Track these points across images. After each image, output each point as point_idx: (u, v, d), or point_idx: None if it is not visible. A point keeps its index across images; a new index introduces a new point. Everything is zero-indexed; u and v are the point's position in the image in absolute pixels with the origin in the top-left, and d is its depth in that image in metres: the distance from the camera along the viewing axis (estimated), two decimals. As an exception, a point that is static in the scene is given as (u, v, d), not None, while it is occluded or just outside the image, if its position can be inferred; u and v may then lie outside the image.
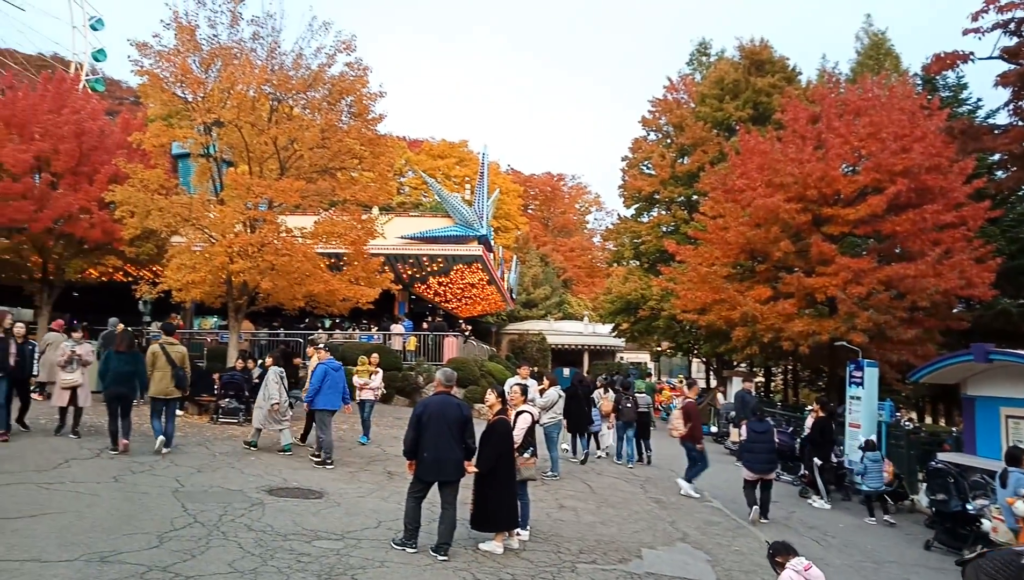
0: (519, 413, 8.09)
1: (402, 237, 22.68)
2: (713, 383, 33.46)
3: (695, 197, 31.04)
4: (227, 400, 13.55)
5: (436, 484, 7.06)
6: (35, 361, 11.49)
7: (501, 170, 65.24)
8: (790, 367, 32.57)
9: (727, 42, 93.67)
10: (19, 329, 10.82)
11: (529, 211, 71.98)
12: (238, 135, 14.32)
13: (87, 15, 50.22)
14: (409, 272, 24.38)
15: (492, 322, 44.49)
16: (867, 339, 17.06)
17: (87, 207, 16.49)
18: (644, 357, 51.16)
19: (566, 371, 35.87)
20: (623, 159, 37.43)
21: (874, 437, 13.60)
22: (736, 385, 23.31)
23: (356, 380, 13.31)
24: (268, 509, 7.85)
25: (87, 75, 49.98)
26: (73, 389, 10.85)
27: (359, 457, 11.67)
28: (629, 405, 14.49)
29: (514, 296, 40.63)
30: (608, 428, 15.40)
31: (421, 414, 6.99)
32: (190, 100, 14.56)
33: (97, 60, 51.72)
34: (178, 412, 13.68)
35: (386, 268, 17.22)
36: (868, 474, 12.16)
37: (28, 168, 16.53)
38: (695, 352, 36.59)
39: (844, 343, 16.83)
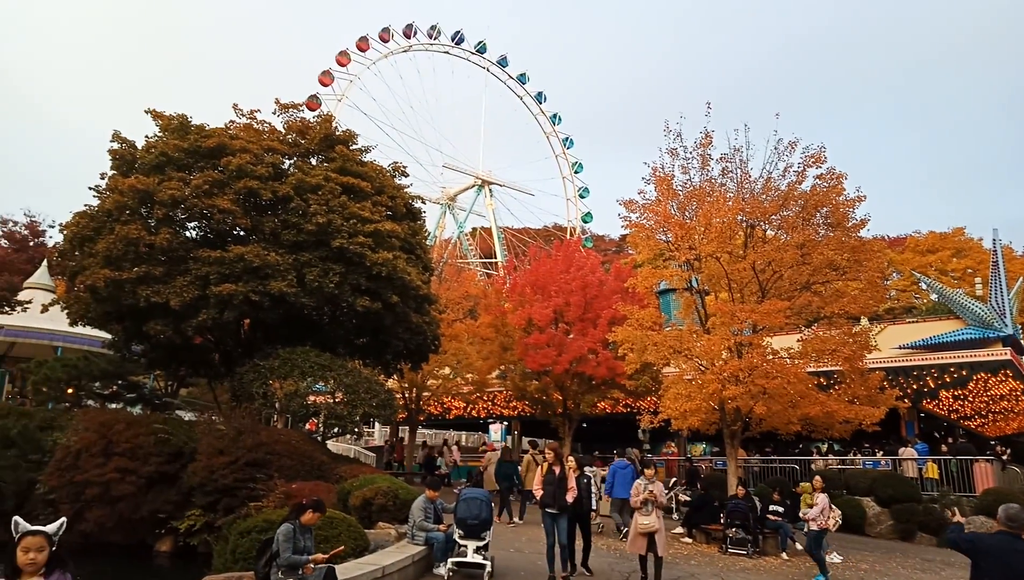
0: None
1: (900, 347, 20.26)
2: None
3: None
4: (734, 530, 13.34)
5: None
6: (592, 496, 10.89)
7: (1017, 254, 54.06)
8: None
9: None
10: (571, 462, 10.25)
11: (1070, 297, 57.10)
12: (717, 265, 14.96)
13: (576, 187, 62.65)
14: (914, 386, 21.34)
15: (1037, 441, 35.45)
16: None
17: (594, 348, 19.00)
18: None
19: None
20: None
21: None
22: None
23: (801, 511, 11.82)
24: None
25: (579, 235, 60.68)
26: (650, 534, 9.46)
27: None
28: None
29: (1064, 407, 31.95)
30: None
31: (973, 551, 5.62)
32: (671, 241, 15.89)
33: (585, 222, 63.60)
34: (686, 540, 14.19)
35: (885, 383, 15.45)
36: None
37: (549, 321, 20.07)
38: None
39: None
